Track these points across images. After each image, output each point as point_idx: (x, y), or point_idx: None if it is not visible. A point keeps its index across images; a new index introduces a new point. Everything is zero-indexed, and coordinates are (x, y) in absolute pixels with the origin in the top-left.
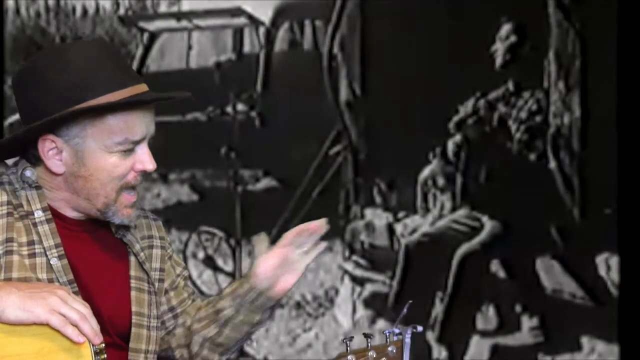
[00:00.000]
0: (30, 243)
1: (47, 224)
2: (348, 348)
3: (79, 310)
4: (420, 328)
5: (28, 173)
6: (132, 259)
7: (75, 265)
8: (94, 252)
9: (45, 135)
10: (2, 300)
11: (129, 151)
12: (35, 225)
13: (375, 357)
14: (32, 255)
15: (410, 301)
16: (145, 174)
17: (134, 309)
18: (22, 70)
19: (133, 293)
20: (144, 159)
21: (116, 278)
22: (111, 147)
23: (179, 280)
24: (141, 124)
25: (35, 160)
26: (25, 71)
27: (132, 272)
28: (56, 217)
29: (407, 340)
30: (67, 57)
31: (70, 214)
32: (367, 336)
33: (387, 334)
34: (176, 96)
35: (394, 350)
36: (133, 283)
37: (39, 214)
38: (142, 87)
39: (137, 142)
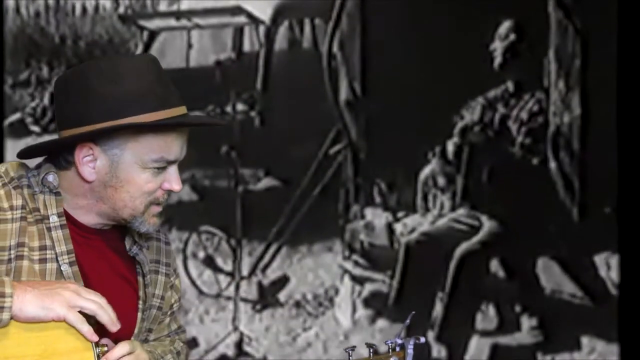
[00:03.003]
0: (43, 248)
1: (61, 230)
2: (350, 357)
3: (95, 301)
4: (423, 339)
5: (50, 178)
6: (141, 280)
7: (86, 273)
8: (106, 263)
9: (85, 142)
10: (19, 299)
11: (161, 169)
12: (49, 230)
13: None
14: (43, 260)
15: (413, 312)
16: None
17: (136, 331)
18: (68, 75)
19: (139, 315)
20: (173, 180)
21: (125, 294)
22: (147, 163)
23: (167, 317)
24: (177, 145)
25: (66, 164)
26: (72, 77)
27: (140, 293)
28: (71, 222)
29: (410, 351)
30: (117, 70)
31: (87, 221)
32: (369, 346)
33: (390, 344)
34: (219, 123)
35: None
36: (140, 305)
37: (54, 219)
38: (183, 109)
39: (170, 162)
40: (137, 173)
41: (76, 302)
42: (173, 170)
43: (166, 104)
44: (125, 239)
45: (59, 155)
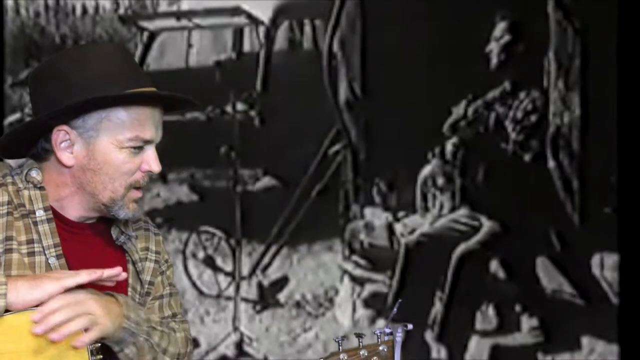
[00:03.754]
0: (30, 242)
1: (47, 224)
2: (340, 347)
3: (79, 273)
4: (410, 326)
5: (33, 173)
6: (131, 267)
7: (74, 266)
8: (94, 256)
9: (61, 125)
10: (11, 287)
11: (138, 149)
12: (35, 224)
13: (367, 356)
14: (32, 254)
15: (400, 300)
16: (151, 176)
17: None
18: (39, 66)
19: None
20: (151, 160)
21: (115, 284)
22: (122, 142)
23: (160, 301)
24: (152, 124)
25: (45, 154)
26: (43, 67)
27: (130, 281)
28: (57, 218)
29: (398, 338)
30: (86, 55)
31: (73, 215)
32: (358, 335)
33: (379, 334)
34: (192, 101)
35: (385, 350)
36: (130, 292)
37: (40, 213)
38: (153, 89)
39: (146, 142)
40: (114, 153)
41: (63, 276)
42: (151, 151)
43: (135, 83)
44: (112, 229)
45: (37, 144)
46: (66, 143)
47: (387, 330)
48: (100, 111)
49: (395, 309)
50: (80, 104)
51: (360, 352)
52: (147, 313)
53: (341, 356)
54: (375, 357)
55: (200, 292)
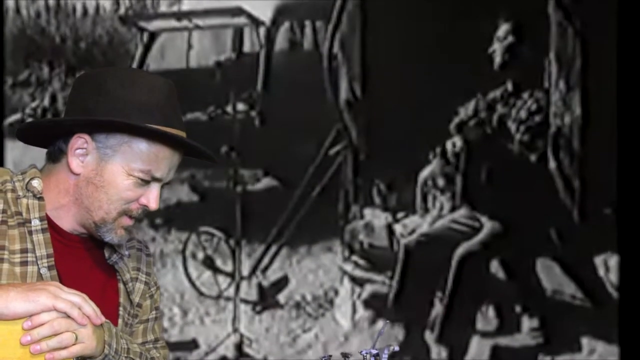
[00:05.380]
0: (24, 251)
1: (42, 233)
2: None
3: (78, 294)
4: (397, 348)
5: (35, 183)
6: (121, 286)
7: (65, 278)
8: (86, 270)
9: (83, 134)
10: (2, 297)
11: (144, 183)
12: (30, 233)
13: None
14: (25, 263)
15: (387, 321)
16: (146, 211)
17: None
18: (86, 74)
19: (120, 321)
20: (152, 197)
21: (105, 302)
22: (133, 171)
23: (145, 324)
24: (167, 164)
25: (59, 155)
26: (90, 75)
27: (121, 300)
28: (53, 229)
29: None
30: (134, 79)
31: (66, 226)
32: (344, 356)
33: (365, 355)
34: (213, 158)
35: None
36: (121, 311)
37: (35, 223)
38: (183, 134)
39: (154, 179)
40: (121, 178)
41: (60, 294)
42: (155, 187)
43: (169, 122)
44: (105, 247)
45: (55, 142)
46: (81, 151)
47: (373, 352)
48: (125, 135)
49: (382, 330)
50: (105, 122)
51: None
52: (129, 342)
53: None
54: None
55: (200, 293)
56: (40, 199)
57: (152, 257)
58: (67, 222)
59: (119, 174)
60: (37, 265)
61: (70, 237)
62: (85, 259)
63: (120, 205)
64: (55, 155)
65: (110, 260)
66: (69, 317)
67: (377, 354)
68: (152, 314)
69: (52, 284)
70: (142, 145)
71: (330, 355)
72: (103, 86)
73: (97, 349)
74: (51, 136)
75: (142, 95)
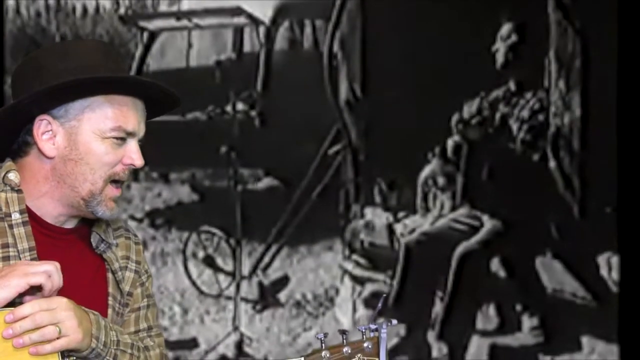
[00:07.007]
0: (5, 245)
1: (22, 227)
2: (323, 344)
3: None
4: (395, 322)
5: (11, 176)
6: (110, 276)
7: None
8: (71, 261)
9: (42, 115)
10: None
11: (120, 141)
12: (11, 227)
13: (351, 353)
14: (7, 258)
15: (385, 295)
16: (133, 172)
17: None
18: (21, 62)
19: (110, 311)
20: (133, 154)
21: (94, 292)
22: (105, 132)
23: (137, 313)
24: (134, 116)
25: (26, 147)
26: (25, 62)
27: (110, 290)
28: (36, 221)
29: (384, 335)
30: (68, 49)
31: (51, 215)
32: (342, 332)
33: (363, 330)
34: (173, 93)
35: (370, 346)
36: (110, 301)
37: (16, 216)
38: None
39: (129, 134)
40: (96, 143)
41: (29, 270)
42: (133, 143)
43: (115, 74)
44: (92, 237)
45: (17, 139)
46: (48, 134)
47: (372, 327)
48: (82, 100)
49: (380, 305)
50: (62, 85)
51: (344, 350)
52: (119, 334)
53: (323, 354)
54: (359, 354)
55: (201, 292)
56: (19, 191)
57: (141, 245)
58: (52, 210)
59: (93, 141)
60: (20, 259)
61: (54, 229)
62: (71, 250)
63: (105, 171)
64: (22, 149)
65: (97, 250)
66: (51, 310)
67: (376, 329)
68: (143, 302)
69: (18, 263)
70: (102, 105)
71: (326, 333)
72: (40, 66)
73: (83, 343)
74: (10, 132)
75: (81, 59)
